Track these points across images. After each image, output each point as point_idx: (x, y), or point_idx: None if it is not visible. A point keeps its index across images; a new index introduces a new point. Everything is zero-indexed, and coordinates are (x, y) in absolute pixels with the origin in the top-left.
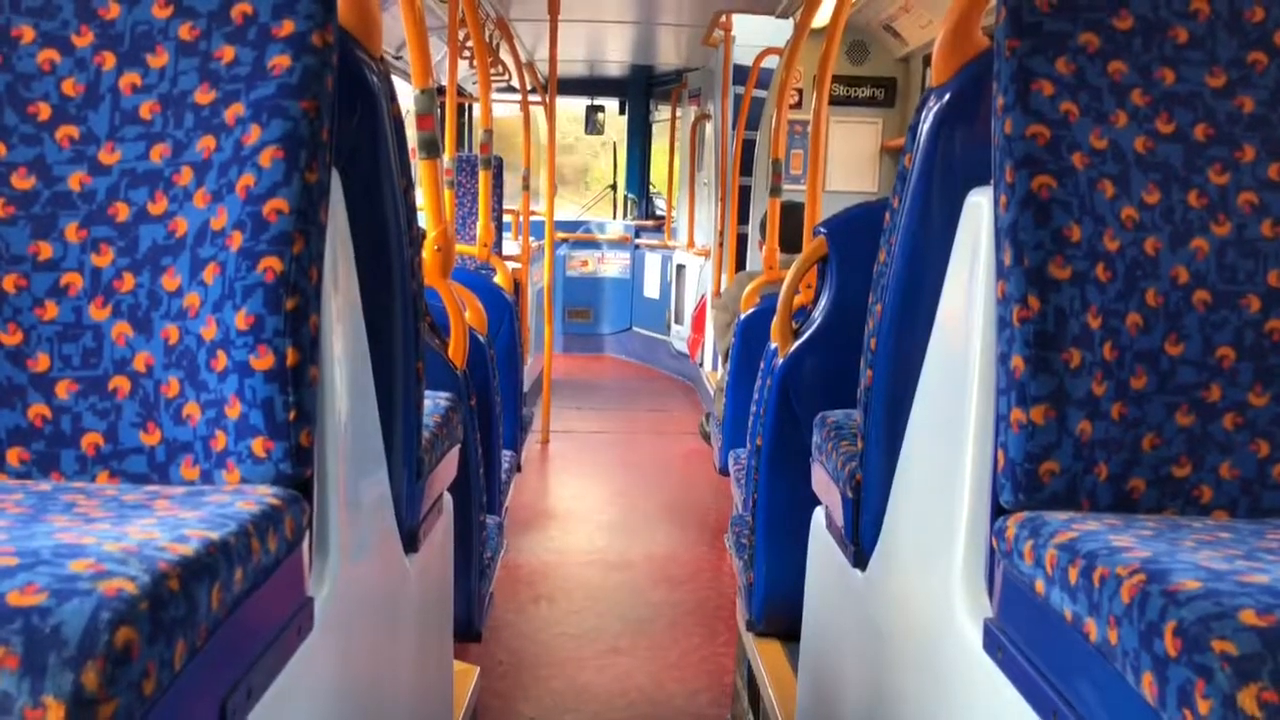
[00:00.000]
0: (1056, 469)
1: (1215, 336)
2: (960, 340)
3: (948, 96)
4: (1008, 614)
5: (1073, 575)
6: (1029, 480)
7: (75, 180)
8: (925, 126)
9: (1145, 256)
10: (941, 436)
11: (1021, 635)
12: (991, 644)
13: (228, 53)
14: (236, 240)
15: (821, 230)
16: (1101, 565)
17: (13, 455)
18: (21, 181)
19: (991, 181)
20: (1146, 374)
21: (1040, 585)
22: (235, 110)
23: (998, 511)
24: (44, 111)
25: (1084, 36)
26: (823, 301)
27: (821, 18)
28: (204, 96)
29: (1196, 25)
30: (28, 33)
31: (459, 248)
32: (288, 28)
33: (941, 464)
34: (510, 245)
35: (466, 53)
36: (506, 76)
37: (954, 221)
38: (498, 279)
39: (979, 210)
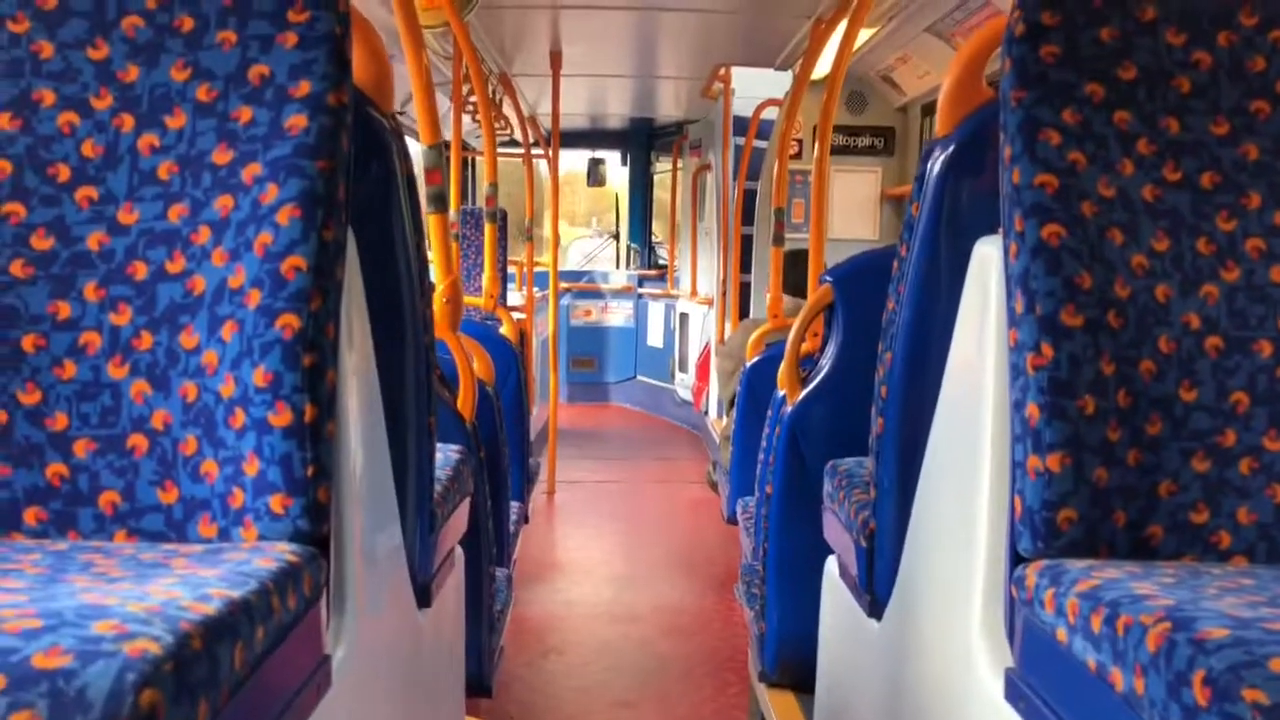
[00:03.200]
0: (1074, 516)
1: (1228, 382)
2: (973, 387)
3: (953, 146)
4: (1029, 663)
5: (1096, 624)
6: (1047, 528)
7: (94, 240)
8: (932, 176)
9: (1156, 303)
10: (956, 484)
11: (1044, 685)
12: (1014, 694)
13: (245, 113)
14: (254, 298)
15: (827, 278)
16: (1125, 613)
17: (30, 515)
18: (41, 242)
19: (1000, 230)
20: (1161, 420)
21: (1063, 634)
22: (253, 170)
23: (1015, 560)
24: (64, 173)
25: (1089, 87)
26: (830, 348)
27: (820, 69)
28: (222, 157)
29: (1199, 75)
30: (48, 96)
31: (465, 299)
32: (304, 88)
33: (957, 512)
34: (514, 296)
35: (470, 107)
36: (509, 131)
37: (962, 269)
38: (503, 330)
39: (988, 258)
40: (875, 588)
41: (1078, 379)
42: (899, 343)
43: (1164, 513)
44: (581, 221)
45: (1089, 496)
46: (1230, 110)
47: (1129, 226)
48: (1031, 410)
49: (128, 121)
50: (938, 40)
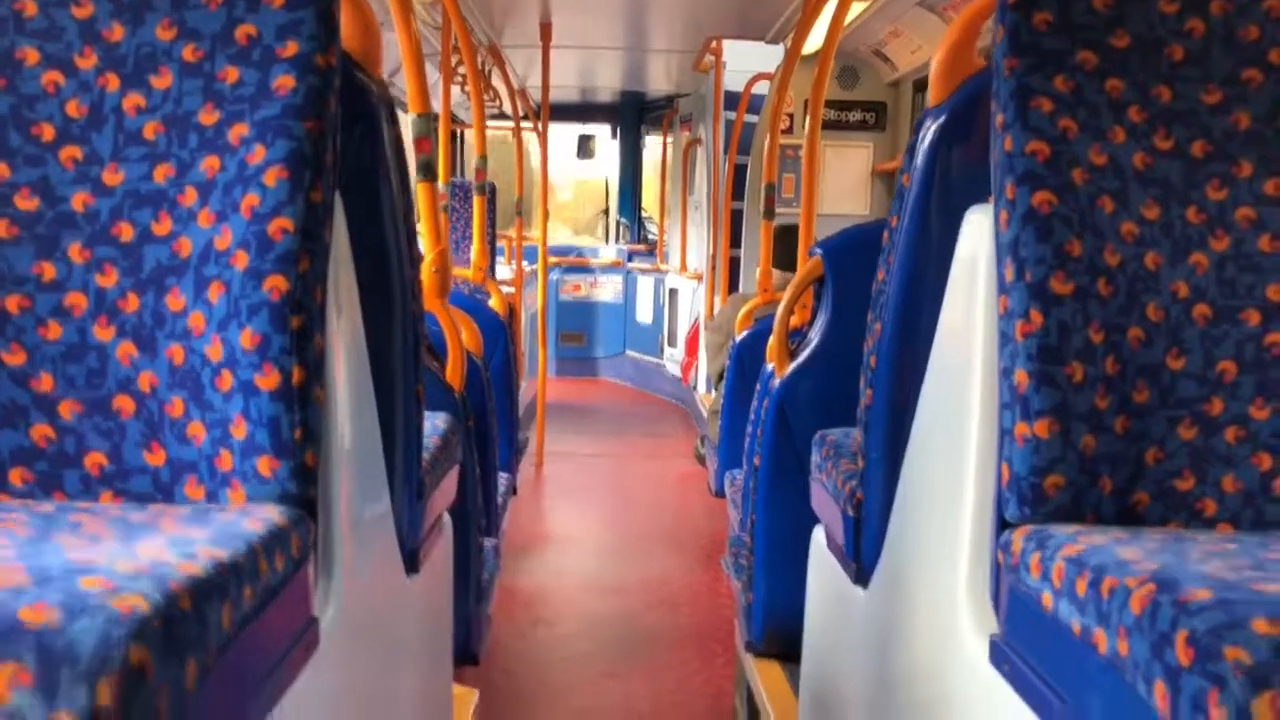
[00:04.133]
0: (1061, 483)
1: (1216, 350)
2: (961, 355)
3: (945, 116)
4: (1014, 628)
5: (1081, 587)
6: (1034, 494)
7: (79, 201)
8: (923, 146)
9: (1145, 271)
10: (943, 452)
11: (1029, 649)
12: (999, 658)
13: (231, 74)
14: (241, 260)
15: (817, 251)
16: (1111, 577)
17: (15, 475)
18: (25, 202)
19: (991, 198)
20: (1148, 388)
21: (1048, 598)
22: (239, 130)
23: (1002, 526)
24: (48, 133)
25: (1082, 55)
26: (819, 322)
27: (812, 43)
28: (208, 117)
29: (1192, 43)
30: (31, 55)
31: (454, 271)
32: (292, 49)
33: (944, 479)
34: (503, 271)
35: (459, 79)
36: (498, 103)
37: (953, 238)
38: (492, 303)
39: (978, 227)
40: (862, 556)
41: (1066, 346)
42: (889, 312)
43: (1150, 480)
44: (585, 229)
45: (1076, 463)
46: (1222, 79)
47: (1119, 194)
48: (1020, 377)
49: (113, 81)
50: (930, 14)
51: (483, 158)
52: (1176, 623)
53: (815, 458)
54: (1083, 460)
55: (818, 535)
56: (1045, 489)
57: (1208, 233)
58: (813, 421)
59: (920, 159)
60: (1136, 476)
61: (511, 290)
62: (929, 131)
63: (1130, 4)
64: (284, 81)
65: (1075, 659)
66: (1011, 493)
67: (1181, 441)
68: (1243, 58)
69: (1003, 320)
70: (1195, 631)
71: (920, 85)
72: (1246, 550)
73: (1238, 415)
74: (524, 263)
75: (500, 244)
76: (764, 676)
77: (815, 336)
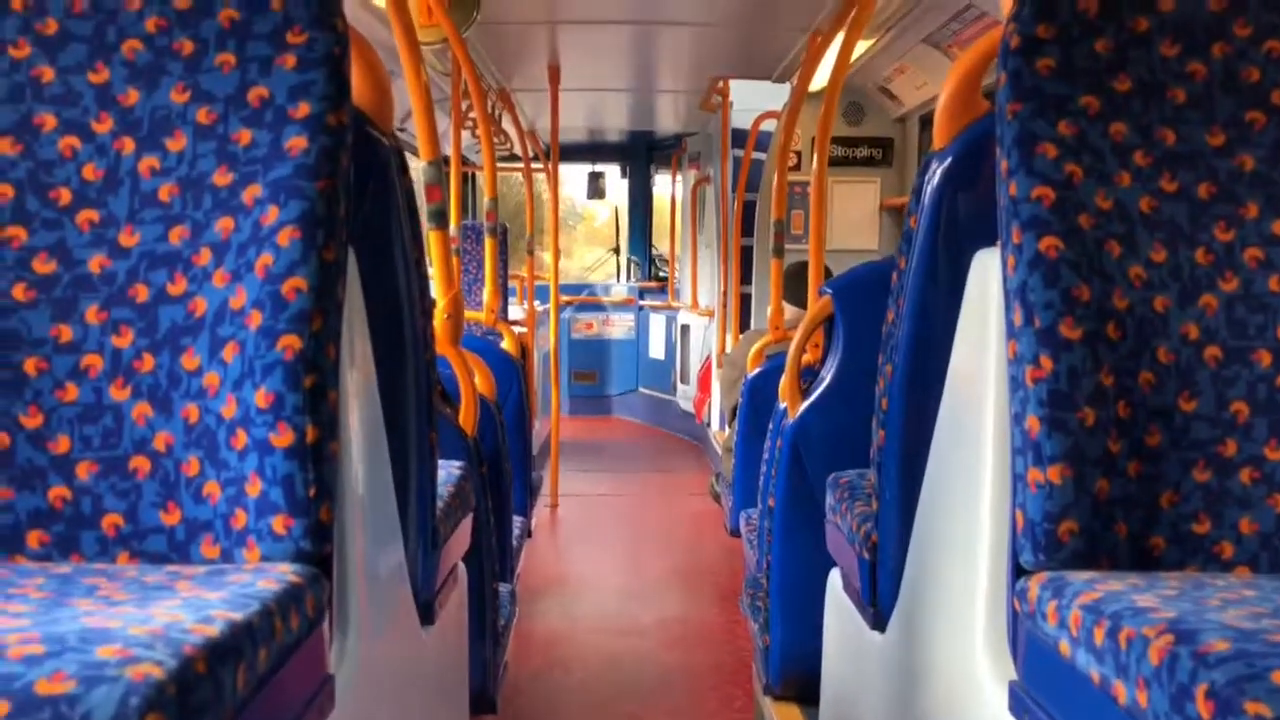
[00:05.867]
0: (1076, 528)
1: (1228, 392)
2: (973, 400)
3: (950, 159)
4: (1032, 676)
5: (1098, 636)
6: (1049, 540)
7: (95, 263)
8: (929, 189)
9: (1154, 314)
10: (958, 496)
11: (1047, 697)
12: (1018, 706)
13: (245, 135)
14: (256, 319)
15: (827, 290)
16: (1128, 626)
17: (33, 538)
18: (43, 266)
19: (998, 242)
20: (1161, 431)
21: (1065, 646)
22: (253, 191)
23: (1018, 572)
24: (65, 196)
25: (1084, 99)
26: (831, 361)
27: (818, 81)
28: (222, 178)
29: (1194, 86)
30: (49, 120)
31: (466, 314)
32: (304, 110)
33: (959, 524)
34: (515, 310)
35: (469, 123)
36: (508, 146)
37: (961, 281)
38: (505, 344)
39: (986, 270)
40: (878, 601)
41: (1077, 391)
42: (899, 355)
43: (1165, 524)
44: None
45: (1090, 508)
46: (1226, 121)
47: (1126, 238)
48: (1031, 422)
49: (128, 144)
50: (934, 51)
51: (493, 200)
52: (1196, 675)
53: (830, 499)
54: (1097, 505)
55: (834, 578)
56: (1060, 535)
57: (1216, 274)
58: (827, 460)
59: (926, 201)
60: (1152, 520)
61: (524, 330)
62: (934, 174)
63: (1131, 48)
64: (296, 142)
65: (1095, 708)
66: (1026, 539)
67: (1196, 484)
68: (1245, 100)
69: (1012, 365)
70: (1215, 684)
71: (927, 120)
72: (1265, 596)
73: (1252, 456)
74: (535, 302)
75: (511, 284)
76: None
77: (827, 375)
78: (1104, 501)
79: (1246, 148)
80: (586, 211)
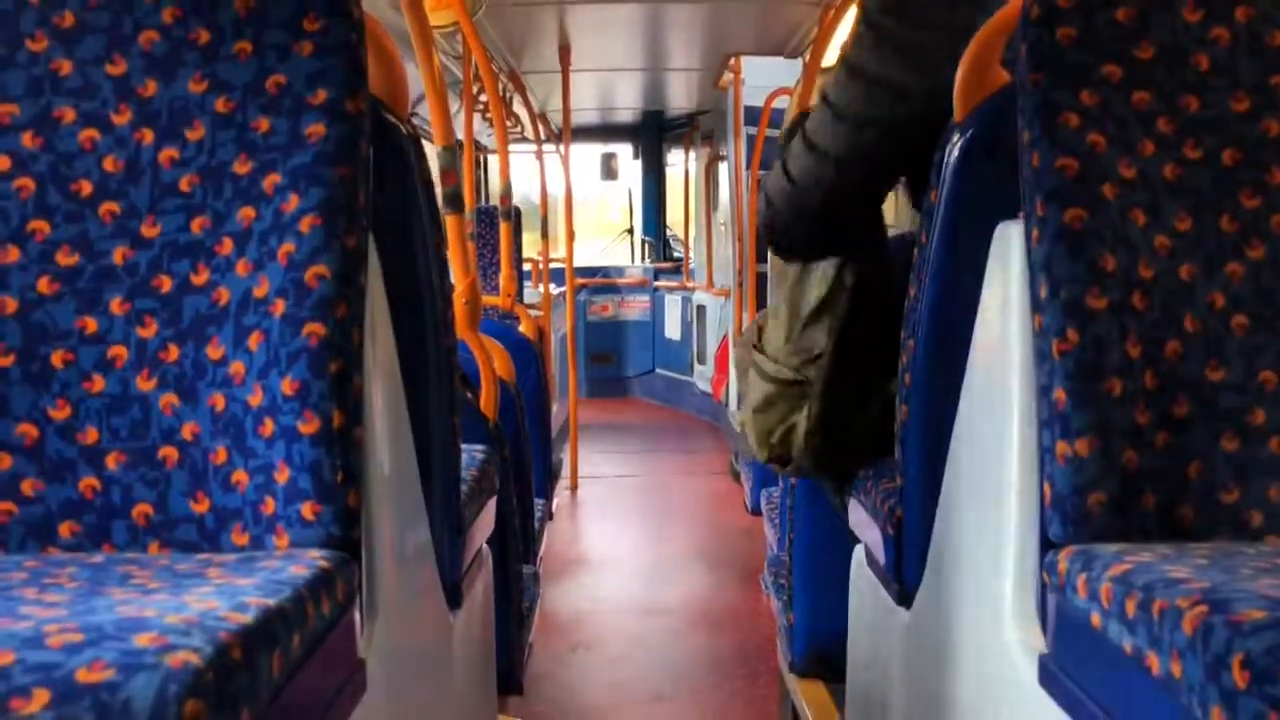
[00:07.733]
0: (1104, 500)
1: (1256, 361)
2: (998, 373)
3: (970, 132)
4: (1062, 648)
5: (1130, 608)
6: (1077, 513)
7: (118, 254)
8: (950, 162)
9: (1180, 283)
10: (983, 470)
11: (1078, 669)
12: (1048, 679)
13: (264, 123)
14: (279, 307)
15: None
16: (1160, 597)
17: (64, 528)
18: (66, 258)
19: (1021, 214)
20: (1189, 401)
21: (1096, 619)
22: (273, 179)
23: (1046, 545)
24: (86, 188)
25: (1106, 68)
26: None
27: (830, 56)
28: (242, 167)
29: (1218, 51)
30: (69, 113)
31: (483, 299)
32: (321, 96)
33: (985, 498)
34: (530, 294)
35: (481, 107)
36: (520, 129)
37: (983, 254)
38: (522, 328)
39: (1009, 243)
40: (904, 576)
41: (1104, 362)
42: (922, 330)
43: (1194, 494)
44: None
45: (1119, 480)
46: (1251, 86)
47: (1151, 207)
48: (1059, 395)
49: (148, 135)
50: None
51: (507, 184)
52: (1231, 644)
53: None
54: (1125, 476)
55: (858, 554)
56: (1088, 507)
57: (1243, 242)
58: None
59: (947, 175)
60: (1180, 491)
61: (540, 313)
62: (955, 147)
63: (1154, 15)
64: (315, 129)
65: (1127, 680)
66: (1055, 512)
67: (1224, 454)
68: (1270, 64)
69: (1038, 338)
70: (1251, 653)
71: None
72: None
73: None
74: (550, 285)
75: (526, 267)
76: (808, 697)
77: None
78: (1132, 473)
79: (1272, 113)
80: (600, 200)
